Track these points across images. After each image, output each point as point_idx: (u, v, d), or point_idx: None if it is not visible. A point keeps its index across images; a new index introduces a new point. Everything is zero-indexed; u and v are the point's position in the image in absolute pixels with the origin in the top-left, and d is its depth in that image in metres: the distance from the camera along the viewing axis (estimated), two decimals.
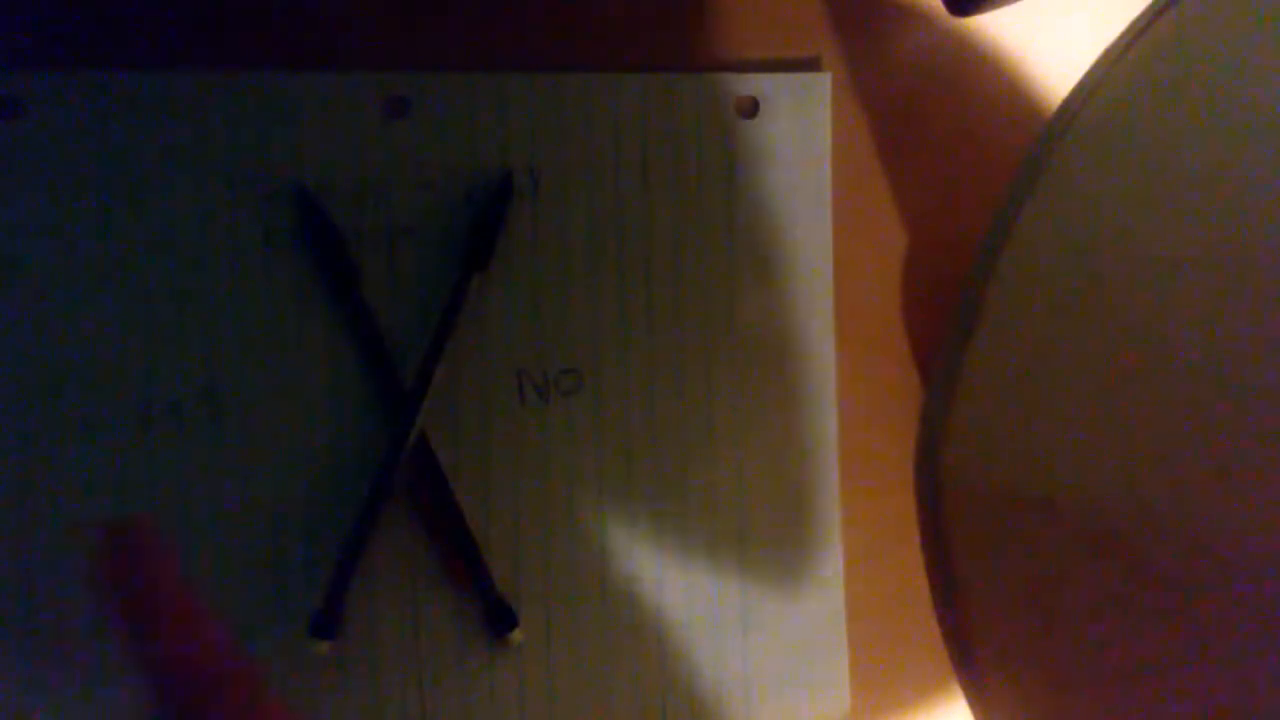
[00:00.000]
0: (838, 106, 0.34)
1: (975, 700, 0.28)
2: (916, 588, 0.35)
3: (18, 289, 0.31)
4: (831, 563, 0.34)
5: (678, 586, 0.33)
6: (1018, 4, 0.34)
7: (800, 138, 0.34)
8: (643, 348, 0.33)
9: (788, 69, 0.34)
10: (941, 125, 0.35)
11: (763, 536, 0.33)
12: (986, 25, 0.35)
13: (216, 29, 0.32)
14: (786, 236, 0.34)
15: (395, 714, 0.32)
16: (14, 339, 0.31)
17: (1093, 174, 0.25)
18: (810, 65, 0.35)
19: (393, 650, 0.32)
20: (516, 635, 0.32)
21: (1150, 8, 0.26)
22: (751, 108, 0.34)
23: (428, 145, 0.33)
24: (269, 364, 0.32)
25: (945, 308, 0.35)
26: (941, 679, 0.35)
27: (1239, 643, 0.19)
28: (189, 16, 0.32)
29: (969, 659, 0.28)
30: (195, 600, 0.24)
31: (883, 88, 0.35)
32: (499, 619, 0.32)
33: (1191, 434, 0.20)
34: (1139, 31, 0.26)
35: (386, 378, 0.32)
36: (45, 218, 0.31)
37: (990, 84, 0.35)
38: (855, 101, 0.35)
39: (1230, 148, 0.21)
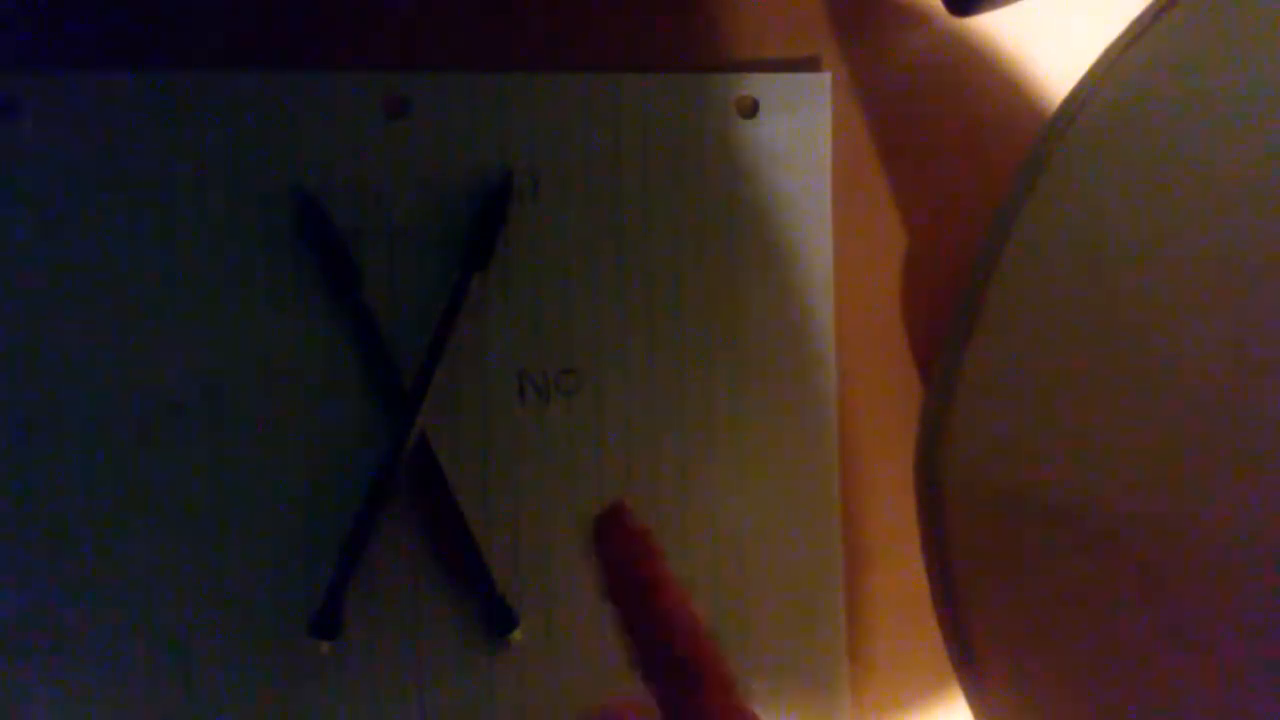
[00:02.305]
0: (838, 106, 0.34)
1: (975, 700, 0.28)
2: (916, 588, 0.34)
3: (18, 289, 0.31)
4: (831, 563, 0.34)
5: None
6: (1018, 4, 0.34)
7: (800, 138, 0.34)
8: (643, 348, 0.33)
9: (788, 69, 0.34)
10: (941, 125, 0.35)
11: (762, 536, 0.33)
12: (986, 25, 0.35)
13: (216, 29, 0.32)
14: (786, 236, 0.34)
15: (395, 714, 0.32)
16: (14, 339, 0.31)
17: (1093, 174, 0.25)
18: (810, 65, 0.35)
19: (393, 650, 0.32)
20: (516, 635, 0.32)
21: (1150, 8, 0.26)
22: (751, 108, 0.34)
23: (428, 145, 0.33)
24: (269, 364, 0.32)
25: (945, 308, 0.35)
26: (941, 679, 0.35)
27: (1239, 643, 0.19)
28: (189, 17, 0.32)
29: (969, 659, 0.28)
30: (679, 593, 0.25)
31: (883, 88, 0.35)
32: (499, 619, 0.32)
33: (1192, 435, 0.20)
34: (1139, 32, 0.26)
35: (386, 378, 0.32)
36: (45, 218, 0.31)
37: (990, 84, 0.35)
38: (855, 101, 0.35)
39: (1230, 147, 0.21)
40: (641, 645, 0.25)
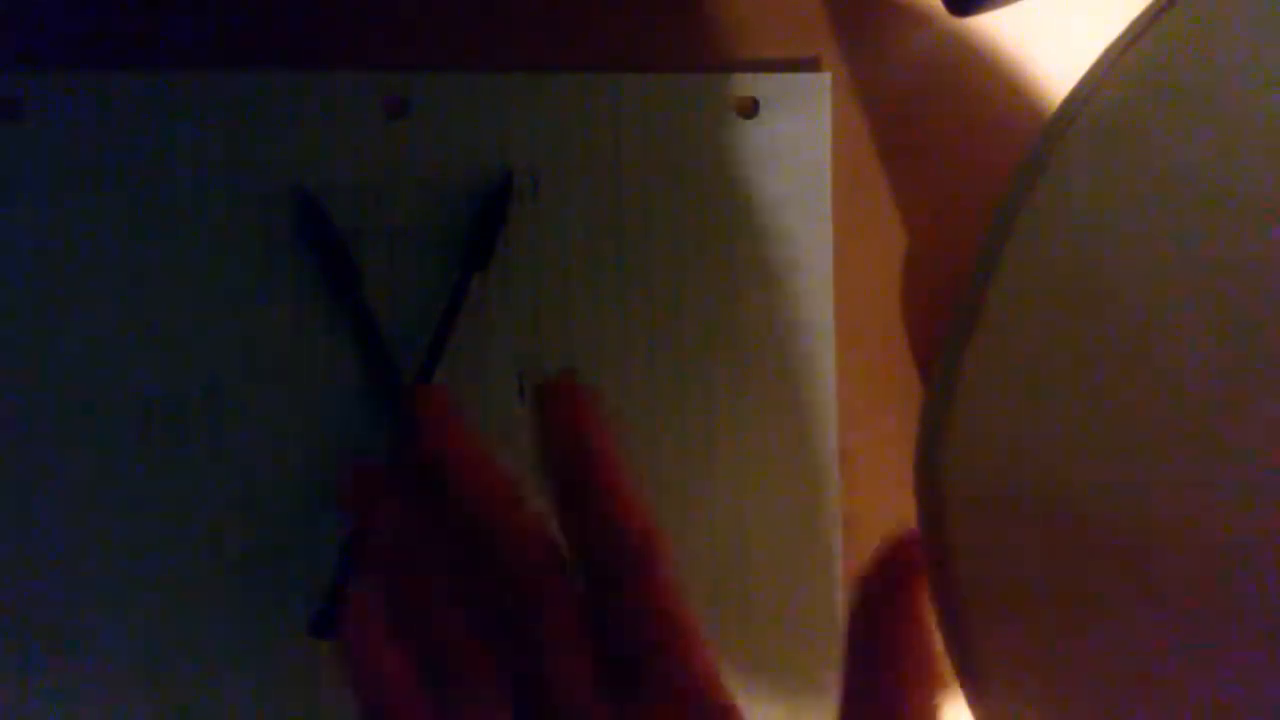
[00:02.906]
0: (838, 106, 0.34)
1: (975, 701, 0.28)
2: None
3: (18, 289, 0.31)
4: (831, 562, 0.34)
5: None
6: (1018, 4, 0.34)
7: (800, 138, 0.34)
8: (643, 348, 0.33)
9: (788, 69, 0.34)
10: (941, 125, 0.35)
11: (762, 536, 0.33)
12: (986, 25, 0.35)
13: (216, 29, 0.32)
14: (786, 236, 0.34)
15: None
16: (14, 339, 0.31)
17: (1093, 174, 0.25)
18: (810, 65, 0.35)
19: None
20: None
21: (1150, 8, 0.26)
22: (751, 108, 0.34)
23: (428, 145, 0.33)
24: (269, 364, 0.32)
25: (945, 308, 0.35)
26: None
27: (1240, 645, 0.19)
28: (189, 16, 0.32)
29: (969, 659, 0.28)
30: (629, 476, 0.23)
31: (883, 88, 0.35)
32: None
33: (1193, 436, 0.20)
34: (1139, 31, 0.26)
35: (386, 378, 0.32)
36: (45, 218, 0.31)
37: (990, 84, 0.35)
38: (855, 101, 0.35)
39: (1230, 147, 0.21)
40: (582, 526, 0.22)
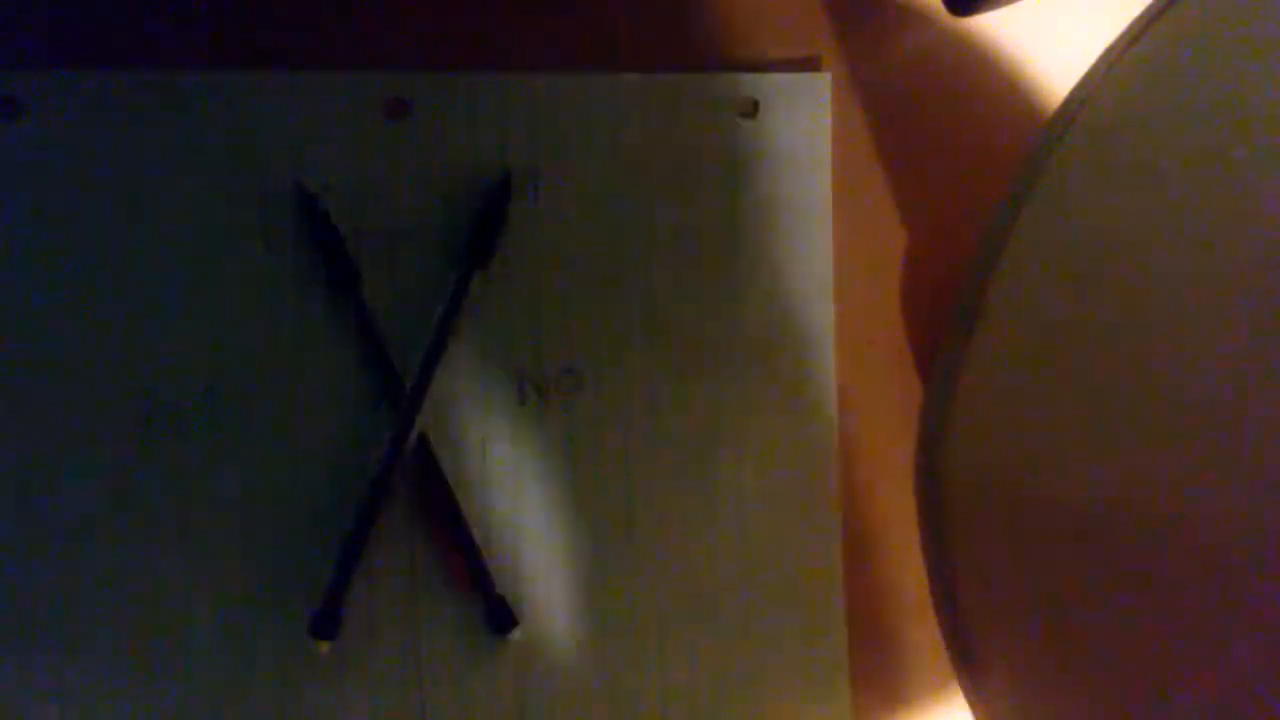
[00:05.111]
0: (838, 106, 0.34)
1: (975, 700, 0.28)
2: (916, 588, 0.35)
3: (18, 289, 0.31)
4: (831, 563, 0.34)
5: (677, 586, 0.33)
6: (1018, 4, 0.34)
7: (800, 138, 0.34)
8: (643, 348, 0.33)
9: (788, 69, 0.34)
10: (941, 125, 0.35)
11: (762, 536, 0.33)
12: (986, 25, 0.35)
13: (216, 29, 0.32)
14: (786, 236, 0.34)
15: (395, 714, 0.32)
16: (14, 339, 0.31)
17: (1092, 174, 0.25)
18: (810, 65, 0.35)
19: (393, 650, 0.32)
20: (516, 635, 0.32)
21: (1150, 8, 0.26)
22: (751, 108, 0.34)
23: (428, 145, 0.33)
24: (269, 364, 0.32)
25: (945, 308, 0.35)
26: (941, 679, 0.35)
27: (1238, 643, 0.19)
28: (189, 16, 0.32)
29: (969, 659, 0.28)
30: None
31: (883, 88, 0.35)
32: (499, 619, 0.32)
33: (1193, 435, 0.20)
34: (1139, 32, 0.26)
35: (386, 378, 0.32)
36: (45, 218, 0.31)
37: (990, 84, 0.35)
38: (855, 101, 0.35)
39: (1230, 148, 0.21)
40: None
